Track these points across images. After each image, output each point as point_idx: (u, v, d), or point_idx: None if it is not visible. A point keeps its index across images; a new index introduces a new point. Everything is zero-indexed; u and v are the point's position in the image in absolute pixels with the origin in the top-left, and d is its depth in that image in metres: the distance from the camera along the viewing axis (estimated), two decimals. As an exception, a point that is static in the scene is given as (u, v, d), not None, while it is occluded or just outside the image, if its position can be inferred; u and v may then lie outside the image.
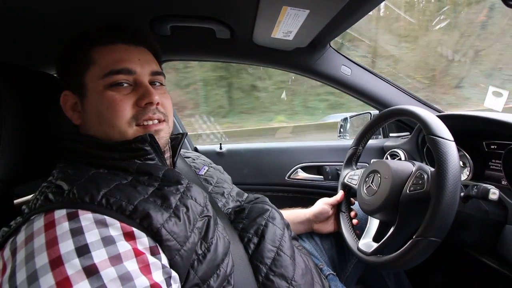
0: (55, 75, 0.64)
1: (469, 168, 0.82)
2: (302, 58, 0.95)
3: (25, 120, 0.52)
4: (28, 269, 0.32)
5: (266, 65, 1.03)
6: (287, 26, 0.70)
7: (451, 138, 0.56)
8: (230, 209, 0.66)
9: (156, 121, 0.52)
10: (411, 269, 1.01)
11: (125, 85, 0.50)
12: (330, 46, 0.97)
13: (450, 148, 0.54)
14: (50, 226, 0.35)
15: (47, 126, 0.58)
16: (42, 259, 0.32)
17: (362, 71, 1.03)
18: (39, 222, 0.36)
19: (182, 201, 0.46)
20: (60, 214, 0.36)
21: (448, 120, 0.86)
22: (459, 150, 0.85)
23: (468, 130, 0.83)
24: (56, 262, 0.32)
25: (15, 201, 0.56)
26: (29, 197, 0.62)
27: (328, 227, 0.84)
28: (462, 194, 0.63)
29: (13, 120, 0.50)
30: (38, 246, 0.33)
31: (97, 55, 0.50)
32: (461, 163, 0.85)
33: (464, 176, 0.84)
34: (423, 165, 0.63)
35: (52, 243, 0.33)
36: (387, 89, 1.06)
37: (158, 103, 0.52)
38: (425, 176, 0.58)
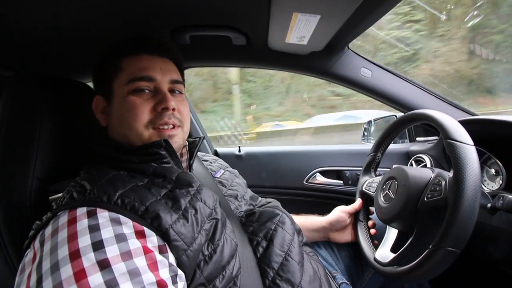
0: (86, 83, 0.71)
1: (501, 176, 0.75)
2: (319, 62, 0.94)
3: (59, 124, 0.58)
4: (52, 259, 0.36)
5: (283, 69, 1.03)
6: (300, 32, 0.71)
7: (471, 142, 0.53)
8: (243, 212, 0.68)
9: (171, 126, 0.56)
10: (439, 285, 0.95)
11: (146, 91, 0.55)
12: (349, 48, 0.95)
13: (469, 152, 0.51)
14: (72, 222, 0.39)
15: (79, 130, 0.64)
16: (63, 251, 0.36)
17: (384, 73, 0.99)
18: (63, 218, 0.40)
19: (191, 203, 0.49)
20: (81, 211, 0.40)
21: (479, 125, 0.80)
22: (490, 158, 0.79)
23: (502, 136, 0.76)
24: (75, 255, 0.36)
25: (50, 197, 0.63)
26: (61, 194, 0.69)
27: (345, 236, 0.82)
28: (489, 205, 0.59)
29: (48, 125, 0.56)
30: (61, 240, 0.37)
31: (125, 64, 0.56)
32: (493, 171, 0.79)
33: (496, 185, 0.77)
34: (443, 171, 0.60)
35: (72, 237, 0.37)
36: (412, 90, 1.01)
37: (174, 109, 0.55)
38: (443, 183, 0.55)
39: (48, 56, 0.86)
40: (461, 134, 0.54)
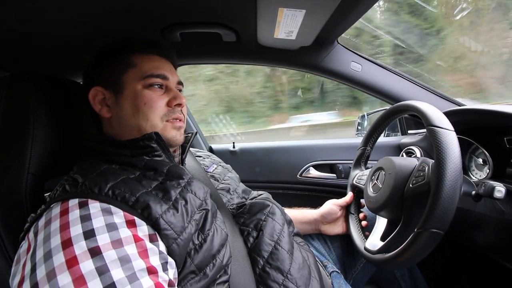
0: (79, 82, 0.72)
1: (488, 165, 0.76)
2: (309, 57, 0.96)
3: (53, 122, 0.59)
4: (45, 248, 0.37)
5: (273, 65, 1.05)
6: (287, 26, 0.72)
7: (451, 128, 0.54)
8: (234, 205, 0.69)
9: (179, 120, 0.61)
10: (430, 274, 0.97)
11: (160, 88, 0.59)
12: (338, 43, 0.96)
13: (449, 137, 0.52)
14: (64, 212, 0.41)
15: (73, 127, 0.66)
16: (56, 240, 0.38)
17: (373, 67, 1.01)
18: (56, 209, 0.42)
19: (182, 194, 0.50)
20: (73, 203, 0.42)
21: (466, 115, 0.81)
22: (478, 147, 0.80)
23: (488, 125, 0.78)
24: (67, 243, 0.37)
25: (46, 195, 0.64)
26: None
27: (336, 229, 0.84)
28: (473, 192, 0.60)
29: (43, 122, 0.57)
30: (54, 229, 0.39)
31: (138, 61, 0.59)
32: (480, 160, 0.81)
33: (484, 175, 0.79)
34: (427, 158, 0.61)
35: (64, 227, 0.39)
36: (401, 83, 1.02)
37: (183, 106, 0.61)
38: (426, 168, 0.57)
39: (42, 57, 0.87)
40: (441, 120, 0.55)
